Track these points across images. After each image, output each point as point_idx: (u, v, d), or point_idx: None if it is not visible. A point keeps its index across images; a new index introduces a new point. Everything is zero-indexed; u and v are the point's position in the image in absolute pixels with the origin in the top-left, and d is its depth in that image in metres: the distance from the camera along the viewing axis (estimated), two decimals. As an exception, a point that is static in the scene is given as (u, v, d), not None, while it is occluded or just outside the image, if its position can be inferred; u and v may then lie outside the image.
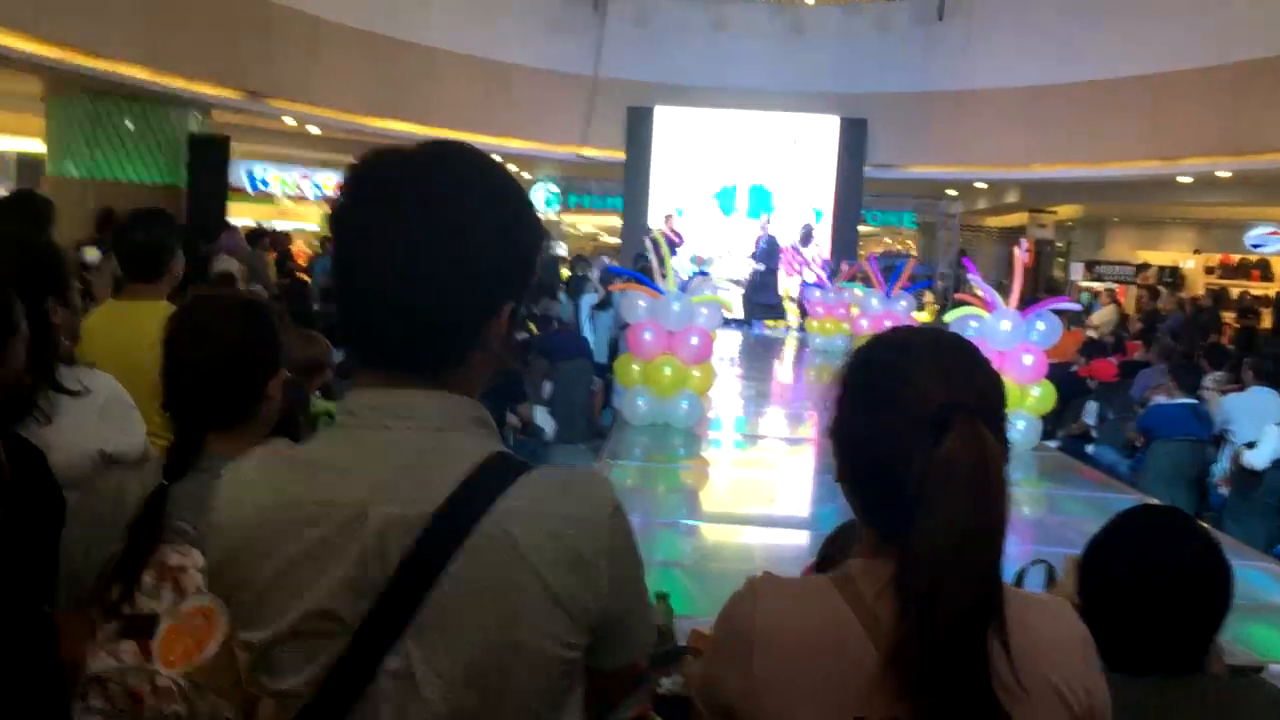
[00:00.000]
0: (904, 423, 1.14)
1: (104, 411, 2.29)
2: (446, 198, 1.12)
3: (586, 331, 10.35)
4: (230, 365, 1.83)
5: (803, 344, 13.52)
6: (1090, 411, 8.22)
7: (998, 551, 1.11)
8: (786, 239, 15.91)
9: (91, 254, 7.49)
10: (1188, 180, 15.14)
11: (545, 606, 1.09)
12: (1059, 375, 7.67)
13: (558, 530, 1.10)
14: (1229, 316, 14.31)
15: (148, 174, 12.73)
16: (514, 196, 1.18)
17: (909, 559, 1.10)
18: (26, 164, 16.18)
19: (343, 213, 1.16)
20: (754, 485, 6.33)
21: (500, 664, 1.08)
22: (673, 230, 14.97)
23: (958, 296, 9.47)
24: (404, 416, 1.13)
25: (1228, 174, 14.15)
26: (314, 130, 15.52)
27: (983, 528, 1.09)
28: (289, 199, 20.07)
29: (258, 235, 12.24)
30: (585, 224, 23.99)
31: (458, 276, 1.11)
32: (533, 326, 9.85)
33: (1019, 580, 2.41)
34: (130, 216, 3.35)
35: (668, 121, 17.03)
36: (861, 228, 18.42)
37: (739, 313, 15.13)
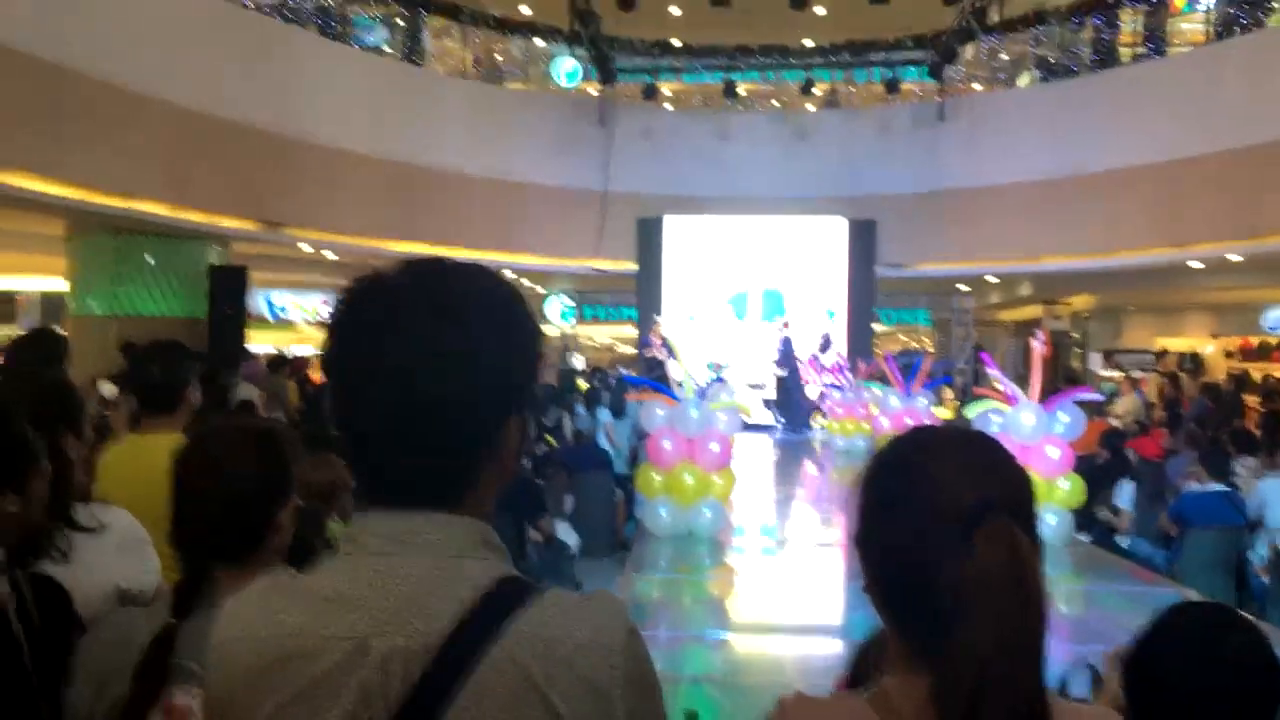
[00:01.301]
0: (932, 526, 1.10)
1: (120, 548, 2.26)
2: (431, 319, 1.09)
3: (602, 442, 10.31)
4: (239, 497, 1.80)
5: (824, 445, 13.43)
6: (1124, 495, 8.05)
7: (1040, 661, 1.06)
8: (803, 342, 15.93)
9: (109, 388, 7.54)
10: (1199, 265, 15.16)
11: None
12: (1084, 467, 7.56)
13: (570, 657, 1.05)
14: (1252, 400, 14.15)
15: (169, 307, 12.91)
16: (507, 305, 1.15)
17: (947, 675, 1.04)
18: (50, 303, 16.46)
19: (331, 350, 1.13)
20: (782, 593, 6.21)
21: None
22: (659, 338, 14.49)
23: (978, 391, 9.42)
24: (408, 543, 1.09)
25: (1239, 258, 14.17)
26: (331, 256, 15.76)
27: (1023, 636, 1.04)
28: (308, 324, 20.33)
29: (279, 363, 12.34)
30: (601, 335, 24.15)
31: (458, 398, 1.09)
32: (550, 439, 9.83)
33: (1063, 685, 2.33)
34: (145, 349, 3.37)
35: (677, 230, 17.26)
36: (876, 326, 18.47)
37: (758, 418, 15.08)
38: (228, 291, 12.88)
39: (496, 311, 1.14)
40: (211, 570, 1.77)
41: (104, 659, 1.76)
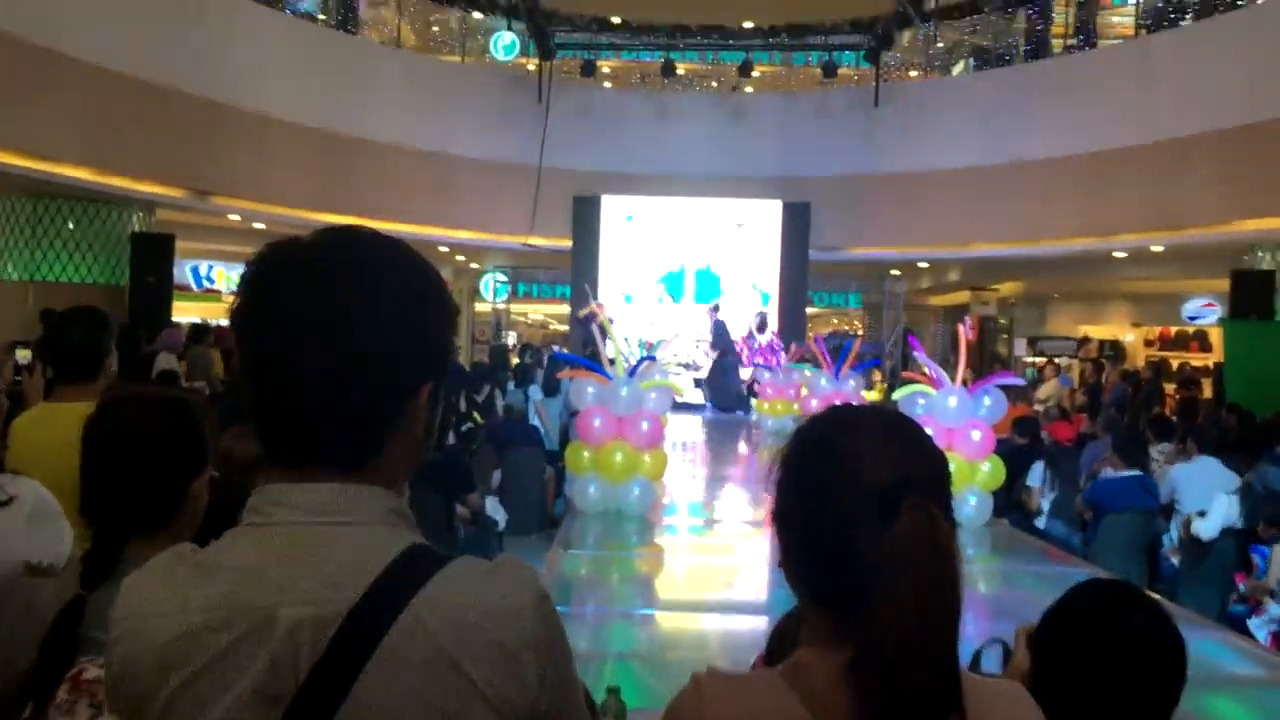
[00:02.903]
0: (850, 503, 1.11)
1: (31, 520, 2.21)
2: (344, 284, 1.09)
3: (532, 419, 10.29)
4: (150, 466, 1.76)
5: (754, 426, 13.54)
6: (1036, 474, 8.24)
7: (955, 636, 1.07)
8: (736, 323, 16.01)
9: (24, 355, 7.34)
10: (1123, 255, 15.52)
11: (471, 704, 1.03)
12: (1003, 451, 7.71)
13: (480, 622, 1.04)
14: (1170, 388, 14.55)
15: (89, 274, 12.62)
16: (419, 276, 1.15)
17: (863, 649, 1.06)
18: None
19: (239, 310, 1.12)
20: (709, 571, 6.25)
21: None
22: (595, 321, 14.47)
23: (905, 375, 9.55)
24: (313, 511, 1.07)
25: (1160, 248, 14.53)
26: (260, 226, 15.49)
27: (939, 612, 1.06)
28: (228, 313, 19.89)
29: (201, 331, 12.10)
30: (534, 312, 24.06)
31: (366, 365, 1.08)
32: (477, 416, 9.78)
33: (975, 661, 2.38)
34: (63, 315, 3.28)
35: (613, 209, 17.23)
36: (808, 309, 18.62)
37: (690, 397, 15.14)
38: (151, 259, 12.62)
39: (409, 280, 1.14)
40: (123, 541, 1.74)
41: (10, 631, 1.72)
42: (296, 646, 1.01)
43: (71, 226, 12.44)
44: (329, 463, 1.10)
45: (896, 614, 1.04)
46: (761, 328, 16.02)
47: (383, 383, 1.10)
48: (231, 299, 1.14)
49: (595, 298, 15.27)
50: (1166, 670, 1.69)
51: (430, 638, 1.02)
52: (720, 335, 15.29)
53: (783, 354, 14.75)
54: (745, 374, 15.60)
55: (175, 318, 12.93)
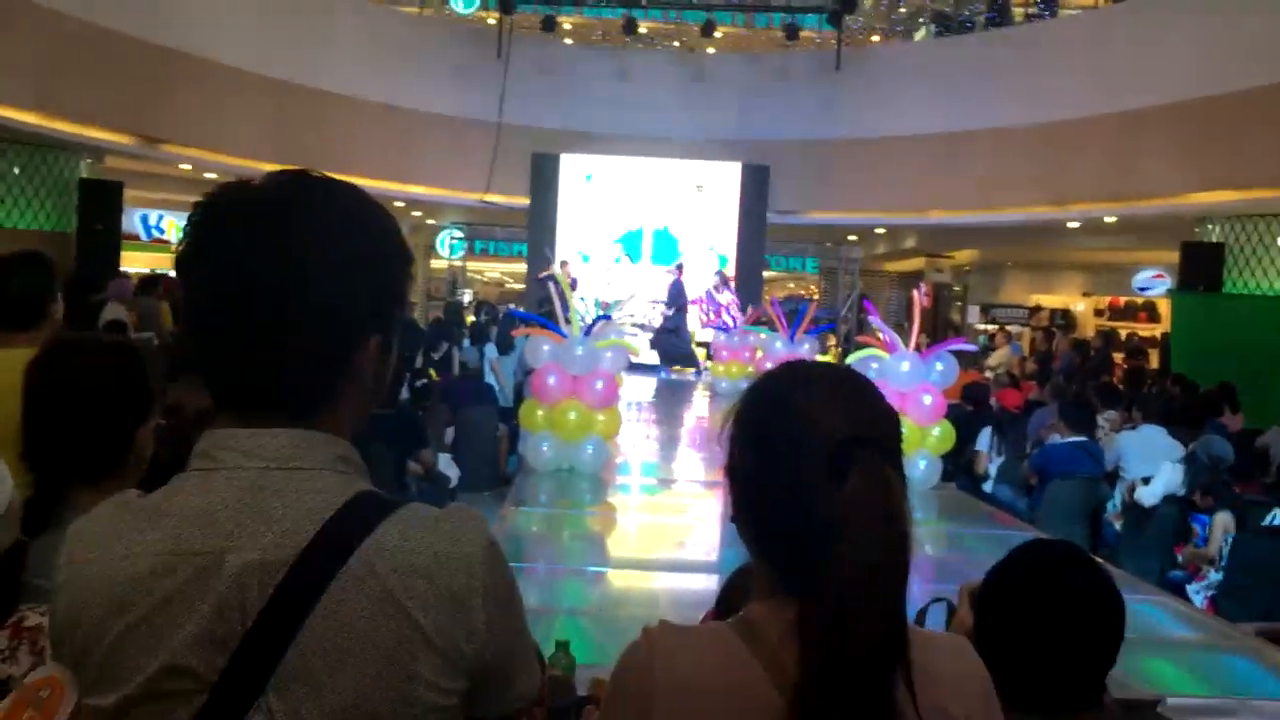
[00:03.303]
0: (803, 459, 1.12)
1: (-32, 466, 2.16)
2: (288, 230, 1.07)
3: (488, 377, 10.26)
4: (94, 412, 1.73)
5: (708, 387, 13.59)
6: (983, 439, 8.36)
7: (903, 591, 1.09)
8: (694, 284, 16.00)
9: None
10: (1076, 225, 15.68)
11: (420, 650, 1.02)
12: (953, 415, 7.80)
13: (429, 568, 1.04)
14: (1118, 357, 14.78)
15: (34, 221, 12.35)
16: (372, 222, 1.13)
17: (813, 600, 1.07)
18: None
19: (184, 254, 1.10)
20: (661, 530, 6.29)
21: (372, 713, 1.01)
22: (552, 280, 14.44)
23: (859, 339, 9.62)
24: (260, 457, 1.06)
25: (1113, 219, 14.69)
26: (212, 176, 15.23)
27: (888, 567, 1.07)
28: (174, 254, 19.52)
29: (150, 282, 11.89)
30: (491, 270, 23.90)
31: (308, 311, 1.06)
32: (433, 373, 9.74)
33: (920, 619, 2.41)
34: (4, 260, 3.20)
35: (572, 168, 17.11)
36: (765, 273, 18.66)
37: (645, 357, 15.15)
38: (99, 207, 12.37)
39: (363, 227, 1.12)
40: (65, 488, 1.71)
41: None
42: (244, 591, 1.01)
43: (17, 171, 12.15)
44: (277, 410, 1.08)
45: (846, 569, 1.05)
46: (721, 288, 16.04)
47: (333, 332, 1.09)
48: (177, 248, 1.12)
49: (554, 260, 15.22)
50: (1105, 630, 1.72)
51: (378, 583, 1.02)
52: (678, 294, 15.29)
53: (739, 312, 14.77)
54: (707, 335, 15.63)
55: (124, 268, 12.70)
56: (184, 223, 1.11)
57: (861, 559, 1.06)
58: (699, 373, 14.91)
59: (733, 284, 16.18)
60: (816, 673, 1.06)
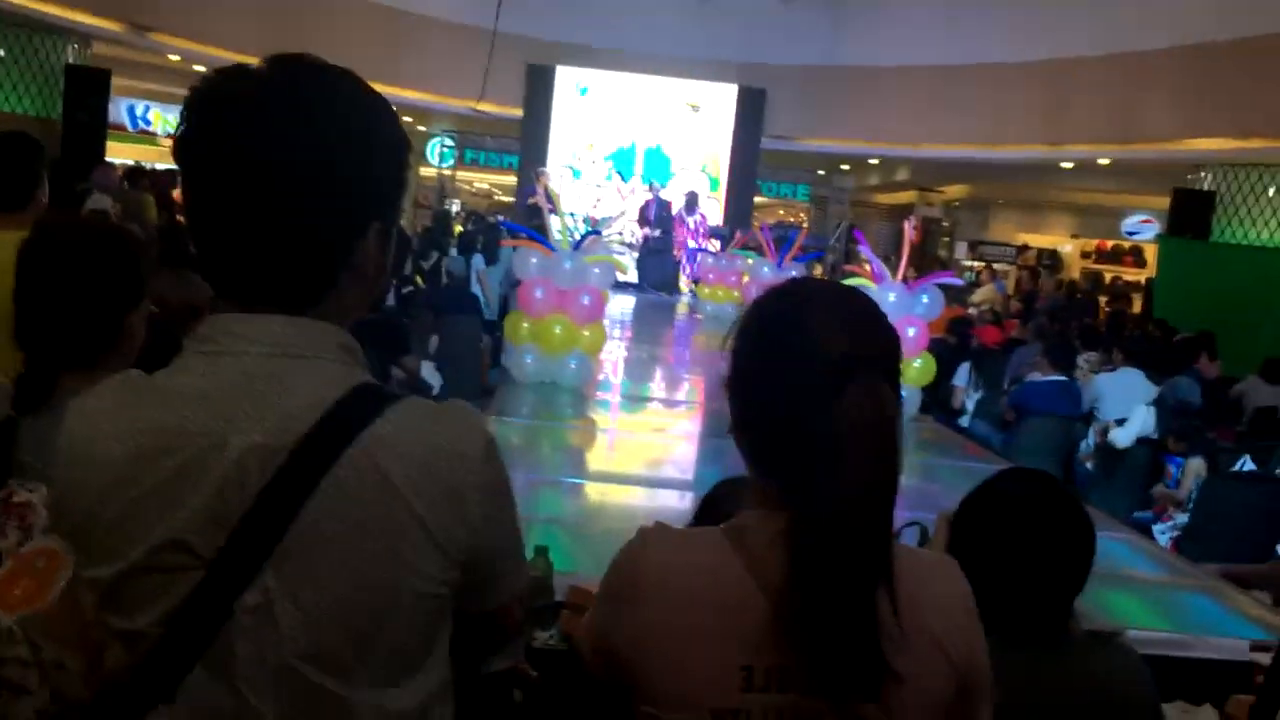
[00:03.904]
0: (804, 374, 1.14)
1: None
2: (296, 111, 1.06)
3: (474, 288, 10.22)
4: (86, 294, 1.73)
5: (693, 310, 13.59)
6: (961, 374, 8.41)
7: (891, 505, 1.13)
8: (676, 206, 15.90)
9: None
10: (1069, 166, 15.62)
11: (415, 539, 1.04)
12: (935, 349, 7.85)
13: (429, 460, 1.06)
14: (1103, 300, 14.84)
15: (19, 105, 12.16)
16: (372, 109, 1.13)
17: (805, 511, 1.10)
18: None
19: (184, 138, 1.09)
20: (640, 447, 6.34)
21: (366, 598, 1.04)
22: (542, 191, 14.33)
23: (846, 268, 9.63)
24: (264, 342, 1.07)
25: (1108, 161, 14.63)
26: (201, 69, 14.95)
27: (880, 484, 1.11)
28: (172, 139, 19.25)
29: (136, 174, 11.75)
30: (480, 181, 23.67)
31: (312, 194, 1.06)
32: (420, 280, 9.70)
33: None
34: (-11, 141, 3.16)
35: (567, 80, 16.87)
36: (756, 198, 18.56)
37: (632, 275, 15.10)
38: (86, 94, 12.16)
39: (362, 113, 1.11)
40: (58, 368, 1.71)
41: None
42: (244, 473, 1.02)
43: (2, 54, 11.90)
44: (279, 298, 1.09)
45: (838, 481, 1.09)
46: (691, 208, 15.92)
47: (337, 216, 1.09)
48: (174, 130, 1.11)
49: (542, 170, 15.06)
50: (1076, 556, 1.76)
51: (378, 472, 1.03)
52: (661, 215, 15.18)
53: (710, 239, 14.66)
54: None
55: (108, 158, 12.52)
56: (173, 118, 1.10)
57: (852, 472, 1.09)
58: (678, 293, 14.87)
59: (699, 205, 16.06)
60: (802, 578, 1.09)
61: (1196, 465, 6.25)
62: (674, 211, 15.59)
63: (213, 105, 1.09)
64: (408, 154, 1.17)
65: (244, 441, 1.03)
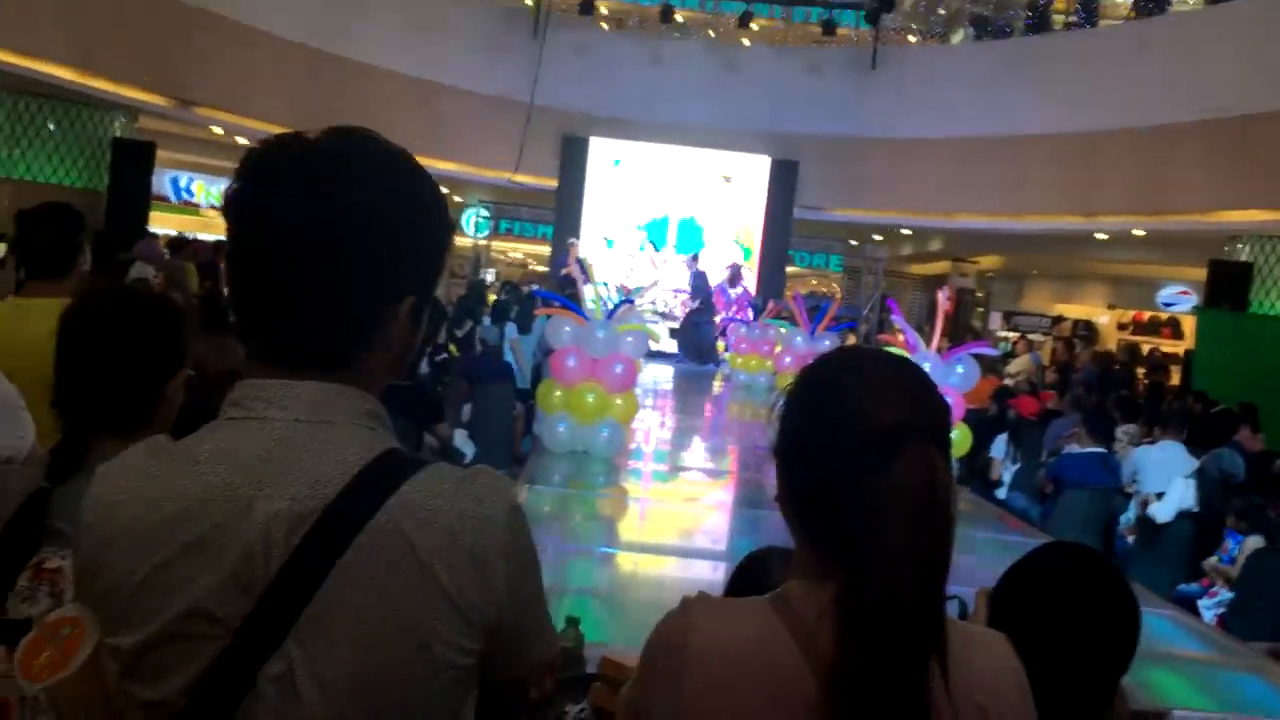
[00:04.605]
0: (854, 443, 1.13)
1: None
2: (342, 182, 1.08)
3: (507, 355, 10.27)
4: (126, 362, 1.74)
5: (726, 379, 13.57)
6: (999, 445, 8.32)
7: (944, 577, 1.10)
8: (713, 275, 15.95)
9: (-1, 249, 7.23)
10: (1104, 237, 15.57)
11: (440, 607, 1.03)
12: (973, 420, 7.78)
13: (455, 528, 1.05)
14: (1140, 372, 14.68)
15: (67, 177, 12.44)
16: (418, 186, 1.15)
17: (856, 583, 1.08)
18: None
19: (235, 197, 1.11)
20: (672, 516, 6.29)
21: (391, 668, 1.02)
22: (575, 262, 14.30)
23: (880, 338, 9.60)
24: (292, 408, 1.07)
25: (1142, 233, 14.58)
26: (243, 141, 15.27)
27: (932, 555, 1.09)
28: (214, 210, 19.65)
29: (179, 244, 11.97)
30: (515, 251, 23.89)
31: (350, 265, 1.07)
32: (454, 349, 9.76)
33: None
34: (34, 211, 3.22)
35: (602, 152, 17.10)
36: (789, 268, 18.62)
37: (664, 345, 15.11)
38: (131, 166, 12.44)
39: (411, 193, 1.13)
40: (92, 436, 1.72)
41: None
42: (270, 540, 1.01)
43: (52, 127, 12.23)
44: (310, 363, 1.09)
45: (890, 552, 1.07)
46: (734, 281, 15.99)
47: (372, 288, 1.10)
48: (214, 216, 1.13)
49: (573, 241, 15.17)
50: (1120, 635, 1.71)
51: (404, 539, 1.02)
52: (700, 286, 15.23)
53: (749, 310, 14.71)
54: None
55: (152, 229, 12.77)
56: (216, 190, 1.13)
57: (906, 544, 1.07)
58: (715, 365, 14.87)
59: (743, 277, 16.12)
60: (854, 652, 1.07)
61: (1255, 543, 6.12)
62: (713, 283, 15.64)
63: (266, 165, 1.11)
64: (450, 238, 1.19)
65: (270, 507, 1.02)
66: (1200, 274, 13.70)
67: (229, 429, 1.08)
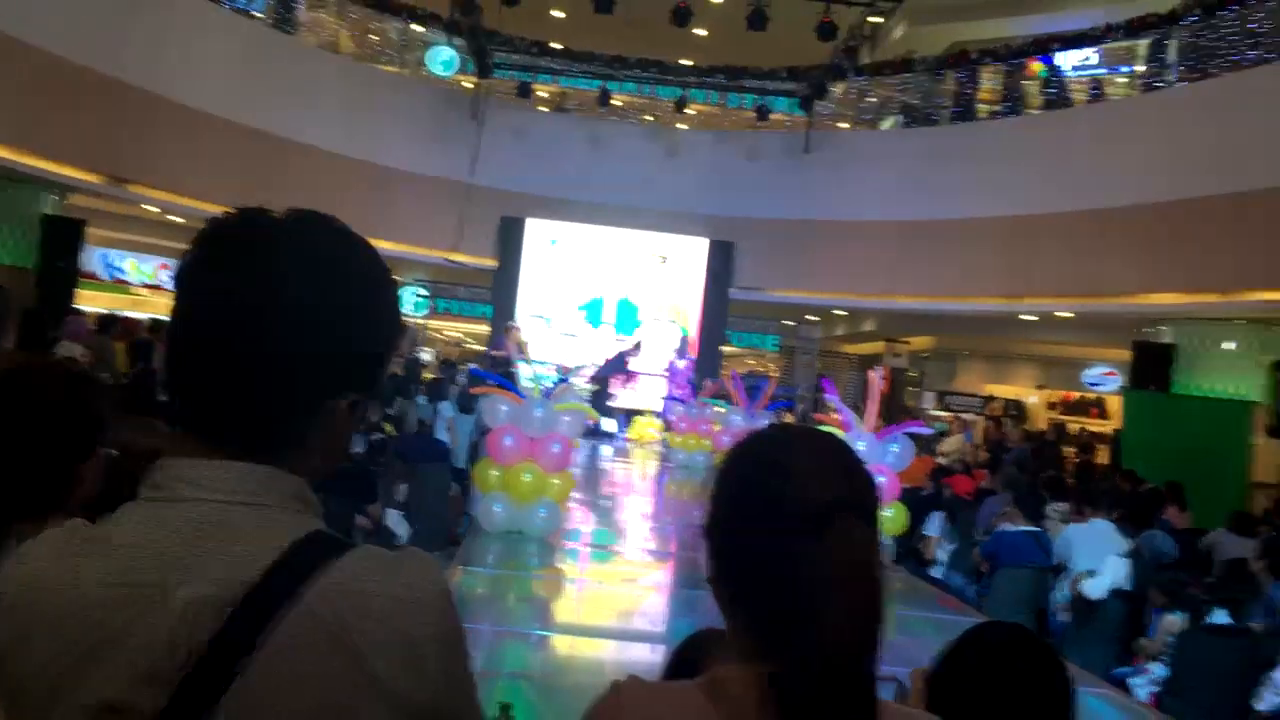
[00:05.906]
0: (783, 519, 1.12)
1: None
2: (305, 272, 1.06)
3: (441, 435, 10.17)
4: (40, 437, 1.68)
5: (664, 458, 13.56)
6: (934, 524, 8.37)
7: (875, 654, 1.09)
8: (653, 356, 16.10)
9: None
10: (1033, 318, 15.92)
11: (364, 694, 0.99)
12: (909, 499, 7.83)
13: (383, 612, 1.01)
14: (1069, 451, 14.93)
15: (-3, 254, 12.20)
16: (372, 279, 1.13)
17: (786, 662, 1.06)
18: None
19: (190, 266, 1.08)
20: (609, 597, 6.23)
21: None
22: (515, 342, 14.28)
23: (816, 417, 9.68)
24: (216, 490, 1.04)
25: (1069, 314, 14.93)
26: (178, 220, 15.13)
27: (866, 631, 1.08)
28: (147, 288, 19.38)
29: (108, 322, 11.75)
30: (450, 330, 23.83)
31: (291, 354, 1.05)
32: (389, 427, 9.65)
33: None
34: (-41, 287, 3.15)
35: (539, 233, 17.23)
36: (725, 348, 18.78)
37: (605, 423, 15.11)
38: (61, 244, 12.25)
39: (366, 287, 1.12)
40: (8, 521, 1.66)
41: None
42: (193, 626, 0.98)
43: (-21, 202, 12.03)
44: (240, 445, 1.06)
45: (821, 628, 1.05)
46: (682, 353, 16.16)
47: (307, 381, 1.07)
48: (144, 294, 1.11)
49: (514, 322, 15.24)
50: (1056, 714, 1.72)
51: (332, 622, 0.99)
52: (617, 361, 15.47)
53: (689, 387, 14.82)
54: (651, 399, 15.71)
55: (80, 306, 12.54)
56: (147, 268, 1.10)
57: (837, 618, 1.06)
58: (601, 429, 14.83)
59: (640, 350, 16.38)
60: None
61: (1173, 620, 6.19)
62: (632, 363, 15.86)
63: (223, 239, 1.08)
64: (399, 338, 1.17)
65: (192, 592, 0.99)
66: (1125, 355, 14.03)
67: (150, 511, 1.04)
